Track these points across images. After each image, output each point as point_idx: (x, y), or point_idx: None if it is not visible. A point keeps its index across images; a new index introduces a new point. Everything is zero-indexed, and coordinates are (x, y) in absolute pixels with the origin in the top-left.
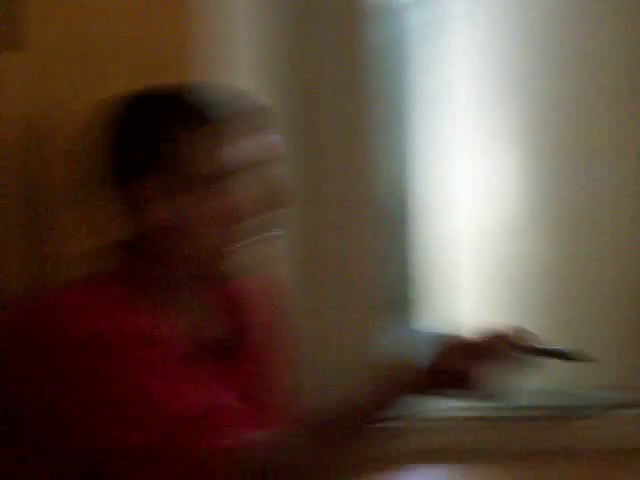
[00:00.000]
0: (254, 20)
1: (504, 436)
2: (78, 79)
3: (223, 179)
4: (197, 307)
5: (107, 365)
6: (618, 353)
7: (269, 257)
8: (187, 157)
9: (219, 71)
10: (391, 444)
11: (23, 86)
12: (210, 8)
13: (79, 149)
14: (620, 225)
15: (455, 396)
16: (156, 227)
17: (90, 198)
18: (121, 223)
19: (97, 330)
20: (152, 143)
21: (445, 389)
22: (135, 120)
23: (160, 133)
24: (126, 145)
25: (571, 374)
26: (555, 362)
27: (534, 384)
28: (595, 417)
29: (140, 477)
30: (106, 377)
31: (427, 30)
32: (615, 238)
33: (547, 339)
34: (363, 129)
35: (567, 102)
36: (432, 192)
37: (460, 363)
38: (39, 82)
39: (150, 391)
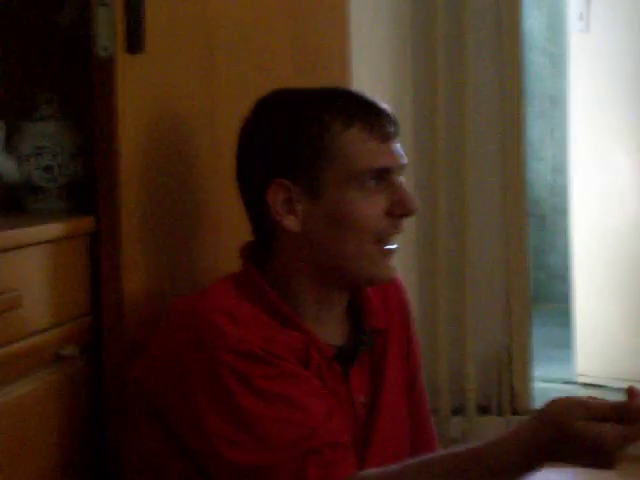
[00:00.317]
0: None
1: None
2: (197, 80)
3: (360, 183)
4: (326, 316)
5: (254, 375)
6: None
7: (394, 267)
8: (331, 156)
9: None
10: None
11: (143, 89)
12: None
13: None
14: None
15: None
16: (282, 234)
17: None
18: (254, 228)
19: (249, 341)
20: (285, 143)
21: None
22: (267, 120)
23: (300, 132)
24: (256, 145)
25: None
26: None
27: None
28: None
29: None
30: (252, 387)
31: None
32: None
33: None
34: (514, 123)
35: None
36: (571, 191)
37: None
38: (159, 85)
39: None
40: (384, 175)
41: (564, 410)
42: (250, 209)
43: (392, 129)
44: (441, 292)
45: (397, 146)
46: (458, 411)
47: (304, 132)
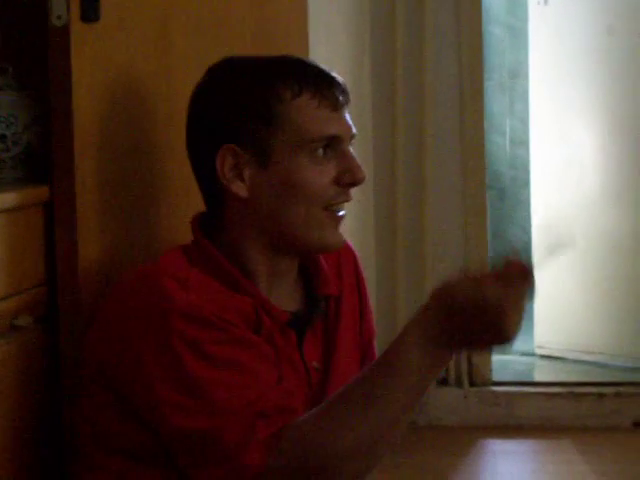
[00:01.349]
0: None
1: (581, 411)
2: (152, 50)
3: (310, 150)
4: (279, 282)
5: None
6: None
7: (342, 234)
8: (282, 123)
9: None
10: None
11: (99, 58)
12: None
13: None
14: None
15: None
16: (231, 201)
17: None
18: (203, 195)
19: (200, 306)
20: (235, 108)
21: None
22: (217, 86)
23: (250, 98)
24: (206, 110)
25: None
26: None
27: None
28: None
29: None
30: (201, 353)
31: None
32: None
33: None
34: (474, 96)
35: None
36: (529, 165)
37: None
38: (115, 54)
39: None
40: (333, 144)
41: (450, 283)
42: (200, 176)
43: (342, 98)
44: (400, 264)
45: (347, 115)
46: None
47: (254, 98)
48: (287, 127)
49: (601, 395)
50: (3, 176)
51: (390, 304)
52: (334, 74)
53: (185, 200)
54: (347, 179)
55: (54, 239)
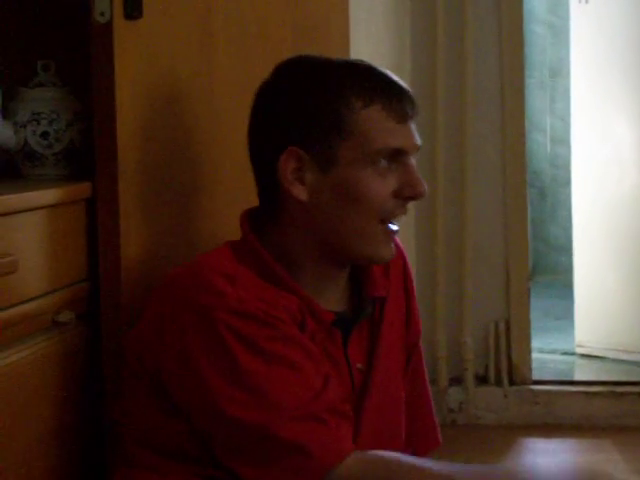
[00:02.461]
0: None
1: (620, 410)
2: (194, 47)
3: (374, 161)
4: (325, 285)
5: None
6: None
7: (394, 248)
8: (350, 131)
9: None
10: None
11: (141, 55)
12: None
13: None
14: None
15: None
16: (288, 203)
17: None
18: (260, 194)
19: (249, 302)
20: (304, 111)
21: None
22: (287, 86)
23: (321, 103)
24: (274, 110)
25: None
26: None
27: None
28: None
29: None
30: (254, 348)
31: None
32: None
33: None
34: (514, 94)
35: None
36: (571, 162)
37: None
38: (157, 51)
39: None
40: (397, 156)
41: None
42: (259, 174)
43: (411, 110)
44: (440, 263)
45: (413, 127)
46: (456, 381)
47: (325, 104)
48: (354, 136)
49: None
50: (46, 172)
51: (430, 304)
52: (404, 85)
53: (229, 197)
54: (407, 192)
55: (97, 235)
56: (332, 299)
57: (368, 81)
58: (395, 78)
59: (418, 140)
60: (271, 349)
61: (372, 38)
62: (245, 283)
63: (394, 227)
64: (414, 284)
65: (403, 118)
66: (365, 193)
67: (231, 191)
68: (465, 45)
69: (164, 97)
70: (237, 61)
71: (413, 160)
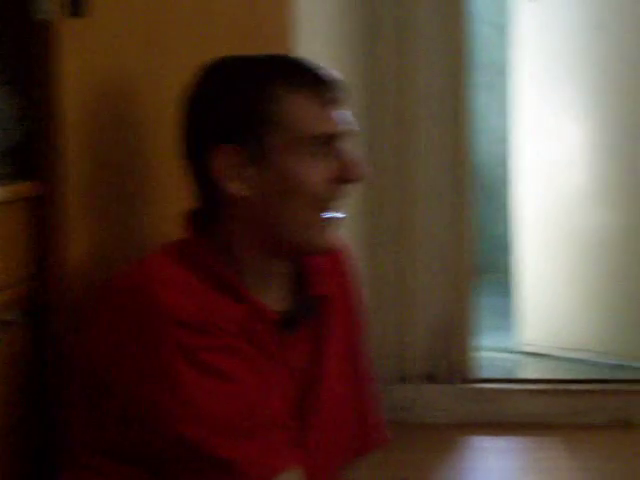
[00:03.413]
0: None
1: (564, 408)
2: (141, 47)
3: (307, 148)
4: (270, 282)
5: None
6: None
7: (340, 235)
8: (276, 122)
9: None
10: None
11: (88, 54)
12: None
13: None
14: None
15: None
16: (227, 201)
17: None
18: (197, 194)
19: (189, 310)
20: (231, 108)
21: None
22: (213, 86)
23: (246, 98)
24: (201, 111)
25: (629, 347)
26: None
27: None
28: None
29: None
30: (184, 356)
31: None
32: None
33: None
34: (460, 93)
35: (634, 78)
36: (512, 162)
37: None
38: (104, 50)
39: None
40: (330, 141)
41: None
42: (194, 175)
43: (338, 95)
44: (387, 261)
45: (343, 112)
46: (404, 379)
47: (250, 97)
48: (283, 126)
49: (587, 392)
50: None
51: (377, 302)
52: (329, 71)
53: (174, 197)
54: (343, 176)
55: (43, 234)
56: (276, 299)
57: (292, 70)
58: (320, 65)
59: (350, 124)
60: (210, 361)
61: (318, 38)
62: (187, 291)
63: (335, 215)
64: (359, 282)
65: (331, 103)
66: (300, 181)
67: (180, 190)
68: (410, 46)
69: (111, 96)
70: (185, 60)
71: (347, 144)
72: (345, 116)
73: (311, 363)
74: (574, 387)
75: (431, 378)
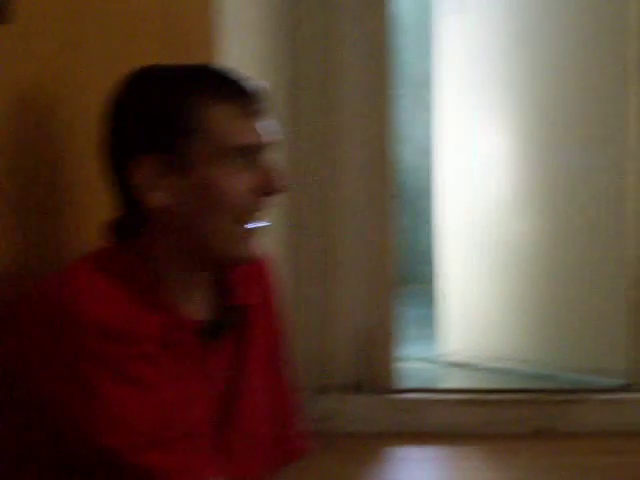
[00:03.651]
0: None
1: (486, 418)
2: (61, 53)
3: (228, 159)
4: (192, 291)
5: (105, 354)
6: (601, 334)
7: (263, 245)
8: (198, 132)
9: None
10: None
11: (9, 62)
12: None
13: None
14: (599, 208)
15: None
16: (148, 210)
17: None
18: (120, 203)
19: (109, 320)
20: (153, 118)
21: None
22: (135, 95)
23: (168, 107)
24: (124, 119)
25: (553, 357)
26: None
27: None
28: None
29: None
30: (103, 365)
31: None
32: (595, 221)
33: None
34: (382, 104)
35: (557, 90)
36: (435, 171)
37: None
38: (26, 58)
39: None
40: (251, 152)
41: None
42: (117, 183)
43: (261, 106)
44: (309, 271)
45: (266, 123)
46: (324, 390)
47: (172, 107)
48: (205, 136)
49: (507, 402)
50: None
51: (298, 312)
52: (253, 82)
53: (101, 208)
54: (264, 188)
55: None
56: (197, 307)
57: (215, 80)
58: (243, 76)
59: (272, 136)
60: (128, 369)
61: (241, 47)
62: (106, 298)
63: (257, 226)
64: (279, 292)
65: (253, 114)
66: (222, 191)
67: (103, 201)
68: (332, 56)
69: (32, 105)
70: (107, 69)
71: (270, 155)
72: (269, 127)
73: (234, 372)
74: (495, 397)
75: (354, 388)
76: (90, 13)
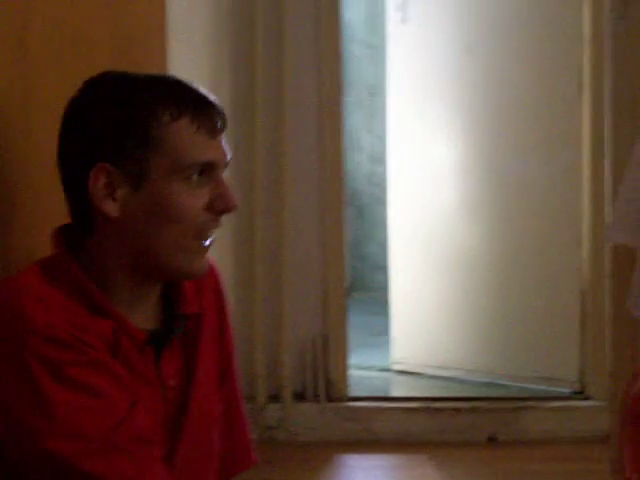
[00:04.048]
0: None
1: (438, 426)
2: (9, 58)
3: (184, 175)
4: (140, 301)
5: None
6: (553, 343)
7: (208, 262)
8: (158, 146)
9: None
10: None
11: None
12: None
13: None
14: (553, 217)
15: None
16: (100, 220)
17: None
18: (72, 210)
19: (58, 327)
20: (112, 127)
21: None
22: (95, 102)
23: (129, 118)
24: (82, 126)
25: (504, 366)
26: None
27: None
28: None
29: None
30: (51, 371)
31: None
32: (548, 230)
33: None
34: (332, 113)
35: (509, 97)
36: (384, 179)
37: None
38: None
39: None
40: (208, 170)
41: None
42: (69, 191)
43: (220, 123)
44: (258, 280)
45: (224, 141)
46: (274, 398)
47: (132, 118)
48: (163, 150)
49: (457, 410)
50: None
51: (248, 321)
52: (213, 99)
53: (48, 214)
54: (219, 206)
55: None
56: (145, 317)
57: (176, 94)
58: (204, 92)
59: (228, 153)
60: (76, 376)
61: (192, 54)
62: (55, 306)
63: (209, 241)
64: (227, 302)
65: (213, 132)
66: (177, 208)
67: (49, 207)
68: (284, 64)
69: None
70: (54, 76)
71: (225, 173)
72: (226, 145)
73: (183, 381)
74: (444, 405)
75: (302, 397)
76: (37, 21)
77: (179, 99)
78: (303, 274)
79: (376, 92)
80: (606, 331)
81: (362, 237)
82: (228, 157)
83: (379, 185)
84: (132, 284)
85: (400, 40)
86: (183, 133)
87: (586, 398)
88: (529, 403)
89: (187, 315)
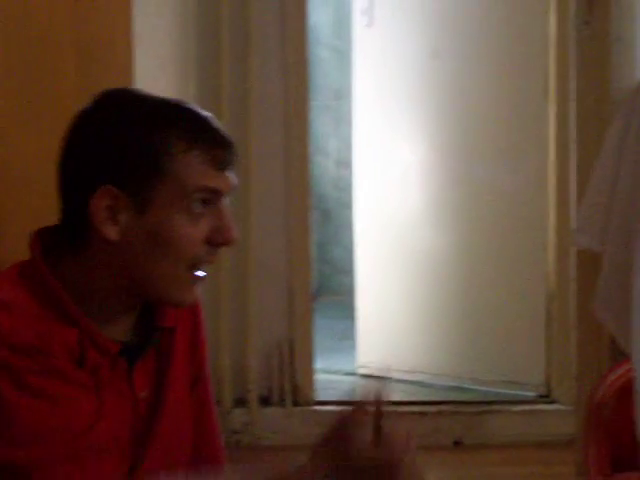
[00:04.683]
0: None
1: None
2: None
3: (188, 204)
4: (117, 315)
5: (23, 370)
6: (519, 347)
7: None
8: (166, 174)
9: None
10: None
11: None
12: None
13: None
14: (519, 221)
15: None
16: (97, 240)
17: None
18: (63, 222)
19: (22, 333)
20: (121, 150)
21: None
22: (105, 121)
23: (139, 143)
24: (88, 145)
25: (471, 370)
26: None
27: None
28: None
29: None
30: (10, 377)
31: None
32: (514, 234)
33: None
34: (298, 117)
35: (476, 103)
36: (350, 183)
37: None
38: None
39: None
40: (212, 198)
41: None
42: (68, 207)
43: (231, 158)
44: (224, 284)
45: (232, 174)
46: (240, 403)
47: (143, 143)
48: (171, 180)
49: (423, 414)
50: None
51: (214, 325)
52: (226, 132)
53: (24, 219)
54: (218, 239)
55: None
56: (123, 328)
57: (190, 125)
58: (217, 124)
59: (235, 185)
60: (36, 384)
61: (157, 59)
62: (22, 312)
63: (201, 273)
64: (202, 314)
65: (222, 166)
66: (177, 238)
67: (25, 213)
68: (249, 68)
69: None
70: (18, 81)
71: (226, 203)
72: (233, 178)
73: (154, 392)
74: (409, 409)
75: (267, 401)
76: (2, 20)
77: (193, 130)
78: (269, 278)
79: (342, 96)
80: (572, 335)
81: (328, 241)
82: (233, 187)
83: (345, 189)
84: (115, 301)
85: (366, 44)
86: (193, 165)
87: (552, 402)
88: (495, 407)
89: (162, 327)
